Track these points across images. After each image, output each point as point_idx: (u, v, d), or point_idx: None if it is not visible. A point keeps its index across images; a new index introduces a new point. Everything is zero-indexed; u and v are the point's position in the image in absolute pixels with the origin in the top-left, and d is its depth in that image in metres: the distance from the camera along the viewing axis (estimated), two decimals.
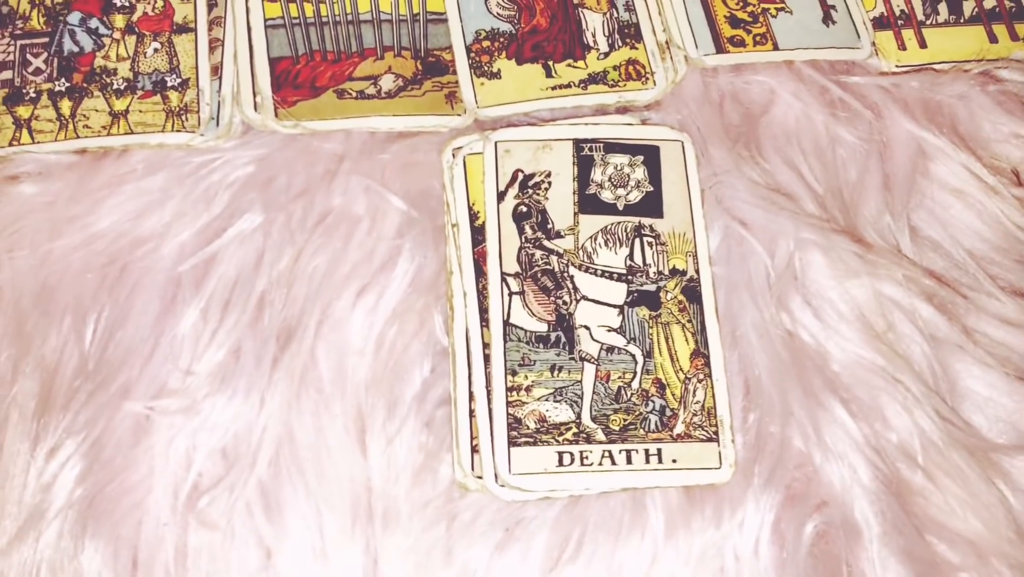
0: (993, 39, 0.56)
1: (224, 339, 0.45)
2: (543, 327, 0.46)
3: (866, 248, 0.49)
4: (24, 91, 0.48)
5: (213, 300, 0.46)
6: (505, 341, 0.46)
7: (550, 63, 0.52)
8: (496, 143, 0.49)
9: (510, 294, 0.47)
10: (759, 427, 0.45)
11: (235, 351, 0.45)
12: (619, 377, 0.46)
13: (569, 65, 0.52)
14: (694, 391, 0.46)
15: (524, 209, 0.48)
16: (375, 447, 0.44)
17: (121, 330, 0.45)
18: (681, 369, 0.46)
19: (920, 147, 0.52)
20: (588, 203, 0.49)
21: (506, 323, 0.46)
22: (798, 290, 0.48)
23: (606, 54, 0.52)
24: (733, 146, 0.50)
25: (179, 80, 0.49)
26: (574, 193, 0.49)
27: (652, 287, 0.47)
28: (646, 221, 0.48)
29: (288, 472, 0.44)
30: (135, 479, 0.43)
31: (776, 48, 0.53)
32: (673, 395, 0.45)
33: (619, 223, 0.48)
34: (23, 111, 0.48)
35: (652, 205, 0.49)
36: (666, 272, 0.48)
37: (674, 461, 0.44)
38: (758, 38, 0.54)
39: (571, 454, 0.44)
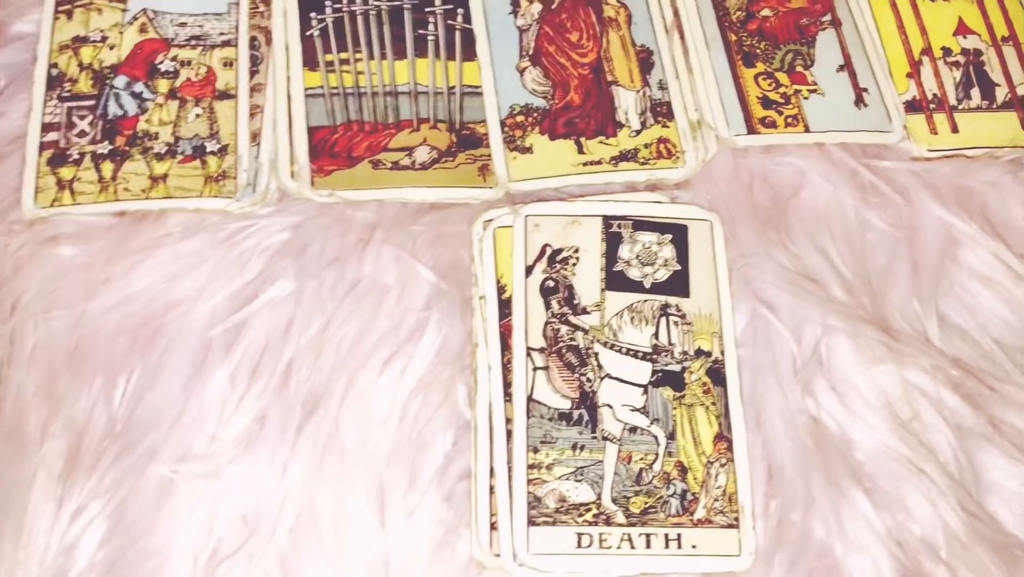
0: None
1: (251, 405, 0.46)
2: (566, 404, 0.46)
3: (893, 335, 0.49)
4: (68, 153, 0.49)
5: (242, 366, 0.46)
6: (528, 417, 0.46)
7: (582, 139, 0.52)
8: (526, 217, 0.50)
9: (534, 369, 0.47)
10: (781, 514, 0.45)
11: (261, 417, 0.46)
12: (641, 458, 0.45)
13: (601, 142, 0.52)
14: (716, 476, 0.45)
15: (551, 284, 0.49)
16: (394, 520, 0.44)
17: (150, 392, 0.46)
18: (704, 452, 0.46)
19: (950, 234, 0.52)
20: (615, 280, 0.49)
21: (530, 399, 0.46)
22: (823, 376, 0.48)
23: (638, 132, 0.53)
24: (762, 228, 0.50)
25: (218, 146, 0.50)
26: (601, 269, 0.49)
27: (677, 367, 0.47)
28: (672, 300, 0.49)
29: (307, 542, 0.44)
30: (156, 543, 0.43)
31: (807, 130, 0.54)
32: (695, 479, 0.45)
33: (645, 301, 0.49)
34: (66, 172, 0.49)
35: (679, 284, 0.49)
36: (691, 353, 0.48)
37: (694, 547, 0.44)
38: (789, 119, 0.54)
39: (590, 536, 0.44)
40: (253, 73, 0.52)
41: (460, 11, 0.55)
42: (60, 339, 0.46)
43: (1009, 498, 0.47)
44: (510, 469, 0.45)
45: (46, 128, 0.50)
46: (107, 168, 0.49)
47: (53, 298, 0.47)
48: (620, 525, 0.44)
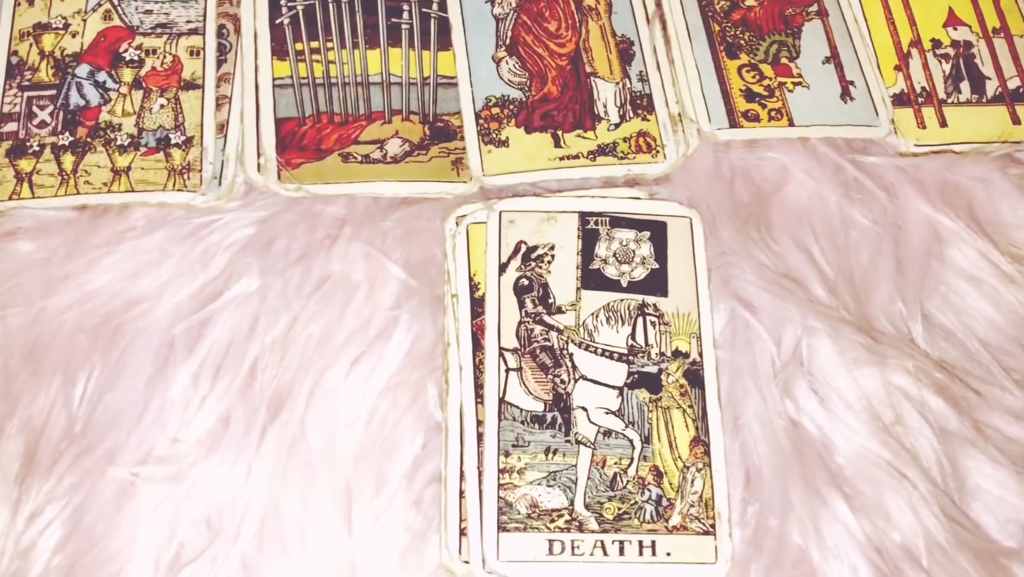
0: (1016, 120, 0.55)
1: (214, 405, 0.44)
2: (539, 406, 0.45)
3: (876, 336, 0.48)
4: (28, 144, 0.48)
5: (205, 365, 0.45)
6: (500, 420, 0.44)
7: (559, 132, 0.51)
8: (500, 213, 0.48)
9: (507, 370, 0.45)
10: (758, 521, 0.44)
11: (224, 419, 0.44)
12: (615, 463, 0.44)
13: (579, 135, 0.51)
14: (692, 480, 0.44)
15: (525, 282, 0.47)
16: (361, 524, 0.43)
17: (111, 392, 0.44)
18: (680, 457, 0.45)
19: (936, 231, 0.51)
20: (591, 278, 0.48)
21: (501, 400, 0.45)
22: (804, 377, 0.47)
23: (617, 125, 0.51)
24: (743, 225, 0.49)
25: (183, 138, 0.48)
26: (577, 268, 0.48)
27: (653, 369, 0.46)
28: (650, 300, 0.47)
29: (272, 546, 0.43)
30: (116, 548, 0.42)
31: (791, 124, 0.52)
32: (670, 484, 0.44)
33: (622, 300, 0.47)
34: (25, 164, 0.47)
35: (657, 283, 0.48)
36: (668, 354, 0.46)
37: (668, 554, 0.43)
38: (773, 113, 0.53)
39: (562, 542, 0.43)
40: (221, 62, 0.51)
41: None
42: (17, 337, 0.45)
43: (993, 504, 0.46)
44: (480, 473, 0.44)
45: (5, 118, 0.48)
46: (68, 160, 0.47)
47: (10, 295, 0.45)
48: (593, 531, 0.43)
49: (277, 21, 0.52)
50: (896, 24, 0.57)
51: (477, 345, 0.46)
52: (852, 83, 0.54)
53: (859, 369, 0.47)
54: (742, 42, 0.54)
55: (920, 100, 0.55)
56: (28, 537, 0.42)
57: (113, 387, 0.44)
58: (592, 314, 0.47)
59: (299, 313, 0.46)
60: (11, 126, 0.48)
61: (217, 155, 0.48)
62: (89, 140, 0.48)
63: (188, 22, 0.51)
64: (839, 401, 0.47)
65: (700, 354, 0.46)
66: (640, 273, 0.48)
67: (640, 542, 0.43)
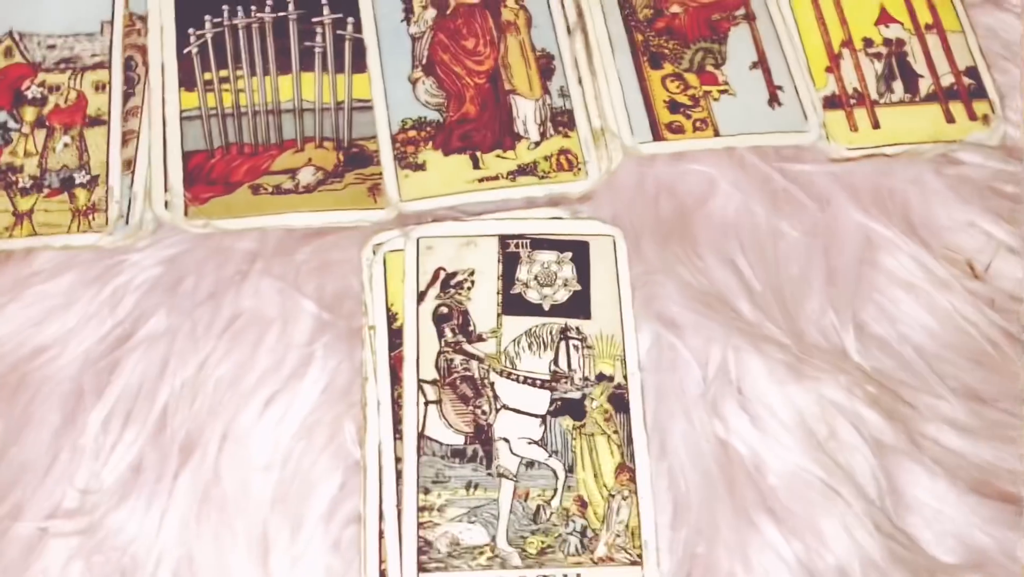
0: (950, 119, 0.54)
1: (124, 452, 0.43)
2: (460, 440, 0.44)
3: (807, 350, 0.46)
4: None
5: (115, 411, 0.44)
6: (419, 455, 0.43)
7: (478, 153, 0.50)
8: (418, 239, 0.47)
9: (426, 403, 0.44)
10: (685, 548, 0.43)
11: (135, 466, 0.43)
12: (539, 495, 0.43)
13: (498, 156, 0.50)
14: (618, 509, 0.43)
15: (445, 310, 0.46)
16: (279, 571, 0.42)
17: (16, 445, 0.43)
18: (605, 485, 0.43)
19: (868, 238, 0.50)
20: (512, 304, 0.47)
21: (420, 435, 0.44)
22: (734, 397, 0.45)
23: (537, 143, 0.50)
24: (666, 242, 0.48)
25: (88, 177, 0.47)
26: (498, 293, 0.47)
27: (577, 394, 0.45)
28: (572, 323, 0.46)
29: None
30: None
31: (717, 134, 0.51)
32: (595, 513, 0.43)
33: (544, 325, 0.46)
34: None
35: (580, 305, 0.47)
36: (592, 378, 0.45)
37: None
38: (698, 124, 0.51)
39: None
40: (129, 96, 0.50)
41: (350, 20, 0.52)
42: None
43: (931, 517, 0.45)
44: (400, 512, 0.42)
45: None
46: None
47: None
48: (516, 568, 0.42)
49: (185, 51, 0.50)
50: (827, 23, 0.56)
51: (396, 378, 0.45)
52: (780, 88, 0.53)
53: (789, 385, 0.46)
54: (666, 51, 0.53)
55: (852, 102, 0.54)
56: None
57: (18, 440, 0.43)
58: (514, 340, 0.46)
59: (209, 353, 0.45)
60: None
61: (124, 193, 0.47)
62: None
63: (93, 55, 0.50)
64: (771, 419, 0.45)
65: (625, 377, 0.45)
66: (562, 296, 0.47)
67: (565, 576, 0.42)
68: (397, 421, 0.44)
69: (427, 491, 0.43)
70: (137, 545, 0.42)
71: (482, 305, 0.46)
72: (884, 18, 0.56)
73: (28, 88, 0.49)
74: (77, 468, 0.43)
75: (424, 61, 0.51)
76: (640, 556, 0.42)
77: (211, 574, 0.42)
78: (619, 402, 0.45)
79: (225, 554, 0.42)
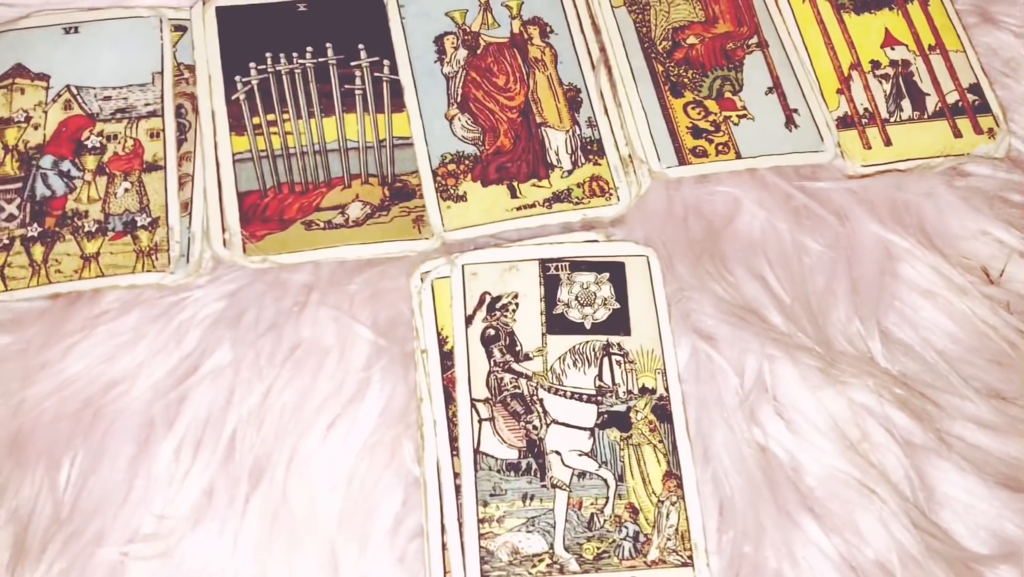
0: (957, 133, 0.57)
1: (196, 479, 0.45)
2: (514, 454, 0.46)
3: (836, 357, 0.49)
4: None
5: (185, 440, 0.46)
6: (476, 470, 0.46)
7: (514, 183, 0.52)
8: (463, 266, 0.50)
9: (480, 421, 0.47)
10: (733, 548, 0.45)
11: (208, 491, 0.45)
12: (592, 503, 0.45)
13: (533, 185, 0.52)
14: (667, 514, 0.45)
15: (492, 332, 0.49)
16: None
17: (94, 476, 0.45)
18: (654, 492, 0.46)
19: (887, 249, 0.52)
20: (556, 323, 0.49)
21: (476, 451, 0.46)
22: (769, 403, 0.48)
23: (570, 172, 0.53)
24: (698, 260, 0.51)
25: (149, 219, 0.50)
26: (541, 313, 0.49)
27: (622, 407, 0.47)
28: (614, 339, 0.49)
29: None
30: None
31: (738, 156, 0.54)
32: (646, 519, 0.45)
33: (587, 342, 0.49)
34: None
35: (619, 322, 0.49)
36: (635, 391, 0.48)
37: None
38: (720, 147, 0.54)
39: None
40: (181, 141, 0.52)
41: (386, 62, 0.55)
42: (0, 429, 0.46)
43: (962, 511, 0.47)
44: (461, 525, 0.45)
45: None
46: (38, 251, 0.49)
47: None
48: (574, 573, 0.44)
49: (233, 97, 0.53)
50: (835, 48, 0.59)
51: (449, 398, 0.47)
52: (796, 111, 0.56)
53: (822, 391, 0.48)
54: (686, 80, 0.56)
55: (864, 121, 0.57)
56: None
57: (96, 470, 0.45)
58: (559, 358, 0.48)
59: (273, 382, 0.47)
60: None
61: (183, 233, 0.50)
62: (57, 229, 0.49)
63: (146, 105, 0.53)
64: (805, 424, 0.48)
65: (666, 389, 0.48)
66: (602, 314, 0.49)
67: None
68: (453, 439, 0.46)
69: (486, 504, 0.45)
70: (213, 567, 0.44)
71: (527, 326, 0.49)
72: (889, 40, 0.59)
73: (88, 138, 0.52)
74: (153, 495, 0.45)
75: (459, 99, 0.54)
76: (691, 558, 0.45)
77: None
78: (662, 413, 0.47)
79: (297, 572, 0.44)
